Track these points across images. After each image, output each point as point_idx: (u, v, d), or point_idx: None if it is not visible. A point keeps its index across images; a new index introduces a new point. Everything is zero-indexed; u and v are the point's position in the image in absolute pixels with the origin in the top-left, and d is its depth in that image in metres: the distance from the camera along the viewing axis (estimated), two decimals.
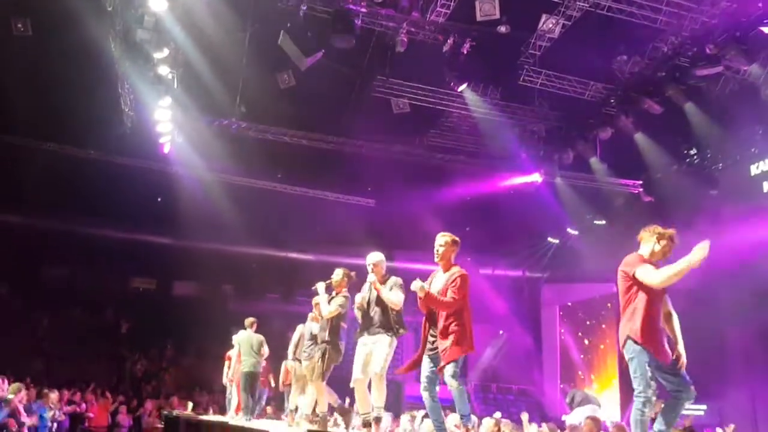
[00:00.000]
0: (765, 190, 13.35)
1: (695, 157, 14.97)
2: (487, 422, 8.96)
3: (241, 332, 9.42)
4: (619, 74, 13.37)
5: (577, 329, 19.94)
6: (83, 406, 14.32)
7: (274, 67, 12.94)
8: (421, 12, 11.95)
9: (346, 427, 7.52)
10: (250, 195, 17.38)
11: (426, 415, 10.40)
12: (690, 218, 12.88)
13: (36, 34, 12.39)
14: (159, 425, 14.23)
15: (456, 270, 5.33)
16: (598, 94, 14.06)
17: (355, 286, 6.43)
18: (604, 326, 18.78)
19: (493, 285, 19.86)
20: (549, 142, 15.51)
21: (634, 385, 4.44)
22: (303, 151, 15.79)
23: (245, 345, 9.22)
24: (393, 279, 5.86)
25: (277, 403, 11.91)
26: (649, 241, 4.70)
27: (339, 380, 7.01)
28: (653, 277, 4.42)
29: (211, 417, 11.59)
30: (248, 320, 9.47)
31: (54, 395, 12.45)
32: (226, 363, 10.61)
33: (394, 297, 5.73)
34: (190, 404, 13.71)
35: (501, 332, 21.23)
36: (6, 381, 11.09)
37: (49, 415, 11.68)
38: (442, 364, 5.12)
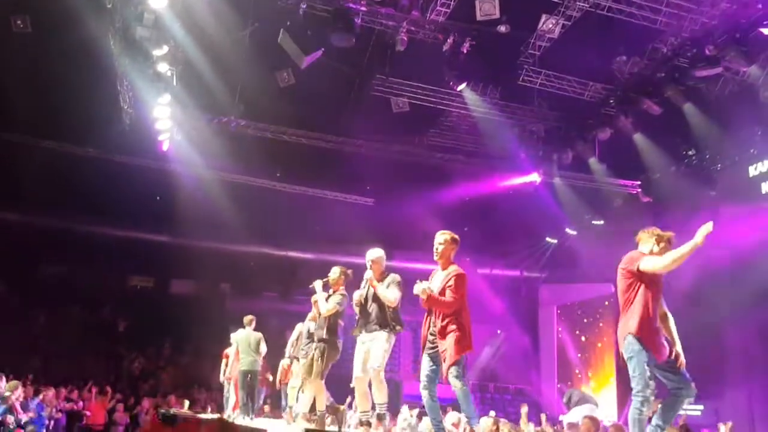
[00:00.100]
0: (764, 191, 13.36)
1: (694, 157, 14.99)
2: (485, 421, 8.95)
3: (240, 331, 9.41)
4: (619, 75, 13.39)
5: (575, 329, 19.95)
6: (80, 404, 14.31)
7: (274, 65, 12.93)
8: (421, 11, 11.95)
9: (339, 427, 7.52)
10: (248, 193, 17.36)
11: (419, 414, 10.47)
12: (688, 219, 12.85)
13: (35, 32, 12.39)
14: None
15: (453, 269, 5.32)
16: (597, 95, 14.07)
17: (352, 284, 6.43)
18: (601, 325, 18.79)
19: (491, 285, 19.87)
20: (548, 142, 15.52)
21: (633, 384, 4.44)
22: (302, 149, 15.78)
23: (243, 343, 9.22)
24: (391, 276, 5.86)
25: (274, 401, 11.90)
26: (647, 242, 4.71)
27: (338, 378, 7.01)
28: (659, 261, 4.45)
29: (209, 415, 11.57)
30: (247, 318, 9.47)
31: (51, 393, 12.44)
32: (224, 361, 10.61)
33: (390, 294, 5.72)
34: (187, 402, 13.70)
35: (499, 332, 21.25)
36: (3, 378, 11.08)
37: (46, 412, 11.67)
38: (444, 366, 5.10)
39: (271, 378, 10.27)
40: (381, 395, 5.73)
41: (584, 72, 13.69)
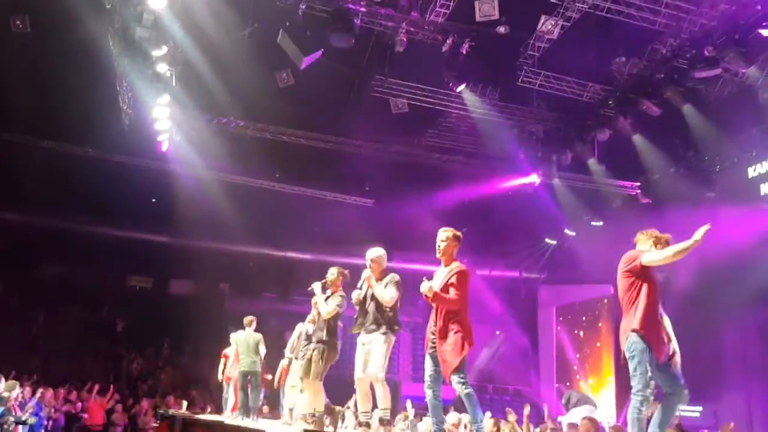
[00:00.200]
0: (762, 193, 13.36)
1: (693, 159, 15.00)
2: (485, 423, 8.95)
3: (240, 332, 9.40)
4: (618, 76, 13.39)
5: (574, 330, 19.95)
6: (79, 405, 14.27)
7: (273, 65, 12.93)
8: (420, 12, 11.96)
9: (334, 427, 7.52)
10: (248, 194, 17.36)
11: (417, 414, 10.48)
12: (687, 220, 12.87)
13: (34, 32, 12.37)
14: (154, 424, 14.19)
15: (455, 266, 5.29)
16: (596, 96, 14.08)
17: (350, 284, 6.43)
18: (600, 325, 18.79)
19: (490, 286, 19.88)
20: (547, 143, 15.53)
21: (633, 383, 4.44)
22: (301, 150, 15.79)
23: (243, 345, 9.20)
24: (390, 276, 5.84)
25: (273, 401, 11.89)
26: (645, 244, 4.74)
27: (337, 379, 7.01)
28: (661, 253, 4.49)
29: (208, 416, 11.57)
30: (247, 319, 9.45)
31: (50, 393, 12.43)
32: (222, 360, 10.60)
33: (386, 294, 5.71)
34: (185, 403, 13.69)
35: (498, 333, 21.26)
36: (2, 379, 11.07)
37: (44, 412, 11.66)
38: (446, 369, 5.07)
39: (270, 377, 10.27)
40: (385, 401, 5.72)
41: (583, 73, 13.70)
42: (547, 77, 13.65)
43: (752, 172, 13.77)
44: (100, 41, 12.31)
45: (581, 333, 19.59)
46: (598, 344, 18.78)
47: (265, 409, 11.85)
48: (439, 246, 5.39)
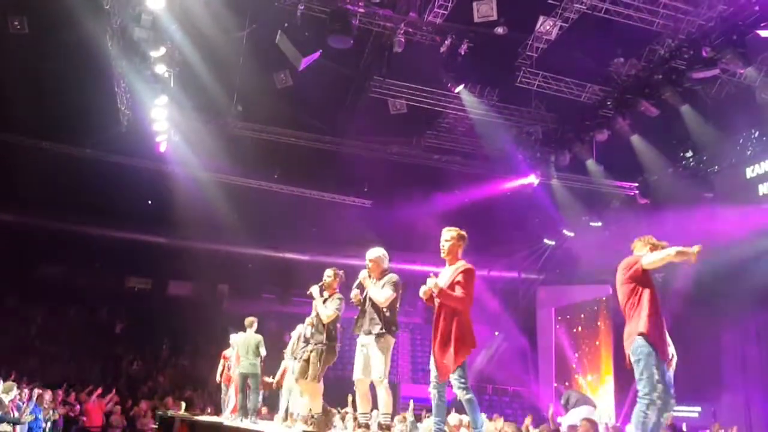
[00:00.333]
0: (760, 193, 13.38)
1: (691, 159, 15.03)
2: (487, 425, 8.96)
3: (239, 333, 9.37)
4: (616, 76, 13.41)
5: (573, 330, 19.95)
6: (77, 407, 14.23)
7: (272, 66, 12.93)
8: (418, 12, 11.97)
9: (329, 429, 7.50)
10: (246, 195, 17.35)
11: (415, 414, 10.47)
12: (685, 221, 12.90)
13: (32, 32, 12.35)
14: (153, 426, 14.17)
15: (461, 264, 5.25)
16: (594, 96, 14.09)
17: (346, 285, 6.41)
18: (599, 325, 18.78)
19: (488, 286, 19.88)
20: (545, 144, 15.54)
21: (639, 387, 4.40)
22: (299, 151, 15.79)
23: (242, 347, 9.16)
24: (388, 276, 5.80)
25: (272, 402, 11.88)
26: (642, 250, 4.73)
27: (336, 379, 7.00)
28: (662, 254, 4.48)
29: (207, 417, 11.55)
30: (248, 320, 9.39)
31: (48, 395, 12.40)
32: (221, 362, 10.58)
33: (381, 294, 5.67)
34: (183, 404, 13.67)
35: (497, 333, 21.24)
36: (0, 380, 11.05)
37: (42, 414, 11.63)
38: (447, 371, 5.05)
39: (270, 379, 10.26)
40: (387, 405, 5.70)
41: (582, 74, 13.71)
42: (546, 78, 13.65)
43: (750, 172, 13.78)
44: (98, 42, 12.28)
45: (580, 333, 19.59)
46: (597, 342, 18.77)
47: (264, 410, 11.84)
48: (443, 245, 5.32)
